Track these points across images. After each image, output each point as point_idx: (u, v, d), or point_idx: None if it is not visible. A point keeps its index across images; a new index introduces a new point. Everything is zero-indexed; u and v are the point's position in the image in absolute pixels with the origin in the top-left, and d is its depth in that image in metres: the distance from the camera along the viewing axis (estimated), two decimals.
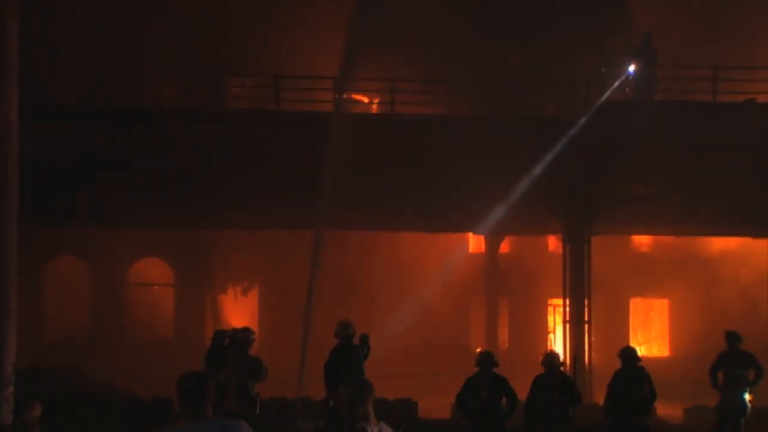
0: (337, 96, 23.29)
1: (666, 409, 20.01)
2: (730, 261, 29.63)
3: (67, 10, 27.64)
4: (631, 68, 22.85)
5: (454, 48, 28.37)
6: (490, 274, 29.56)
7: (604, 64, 23.60)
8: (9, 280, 13.01)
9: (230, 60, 27.41)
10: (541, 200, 22.77)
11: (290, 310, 27.23)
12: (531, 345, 28.85)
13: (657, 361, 26.59)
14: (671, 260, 30.46)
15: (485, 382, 13.78)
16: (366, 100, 29.53)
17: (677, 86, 23.02)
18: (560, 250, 24.29)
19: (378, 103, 28.53)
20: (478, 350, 17.75)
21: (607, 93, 22.71)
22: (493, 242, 29.58)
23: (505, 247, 30.51)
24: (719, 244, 29.58)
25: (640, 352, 16.47)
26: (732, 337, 15.92)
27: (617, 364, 14.48)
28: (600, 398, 15.37)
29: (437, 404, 20.38)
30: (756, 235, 26.04)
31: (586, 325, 23.00)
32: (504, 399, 13.83)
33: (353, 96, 28.15)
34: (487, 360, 13.93)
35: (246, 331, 15.05)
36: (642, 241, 31.46)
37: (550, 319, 30.98)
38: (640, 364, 14.44)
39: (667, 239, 30.29)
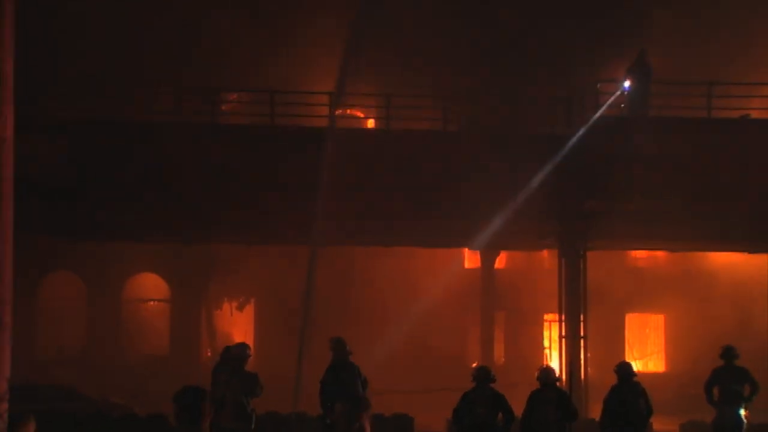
0: (332, 111, 23.31)
1: (662, 425, 19.98)
2: (725, 276, 29.65)
3: (63, 23, 27.67)
4: (626, 84, 22.90)
5: (449, 64, 28.44)
6: (486, 289, 29.54)
7: (600, 80, 23.66)
8: (4, 295, 12.97)
9: (226, 74, 27.44)
10: (536, 215, 22.78)
11: (286, 325, 27.24)
12: (527, 360, 28.81)
13: (653, 377, 26.57)
14: (667, 275, 30.50)
15: (482, 397, 13.74)
16: (362, 115, 29.58)
17: (672, 102, 23.07)
18: (556, 266, 24.28)
19: (373, 118, 28.57)
20: (474, 365, 17.72)
21: (602, 108, 22.75)
22: (488, 257, 29.57)
23: (500, 262, 30.51)
24: (715, 260, 29.62)
25: (636, 367, 16.46)
26: (728, 353, 15.92)
27: (613, 379, 14.46)
28: (596, 414, 15.35)
29: (434, 420, 20.34)
30: (751, 251, 26.09)
31: (582, 341, 22.98)
32: (500, 415, 13.79)
33: (349, 111, 28.19)
34: (483, 375, 13.89)
35: (241, 346, 15.02)
36: (638, 256, 31.48)
37: (546, 334, 30.96)
38: (636, 379, 14.43)
39: (663, 254, 30.34)
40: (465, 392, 13.93)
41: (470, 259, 31.20)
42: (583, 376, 22.72)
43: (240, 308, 31.63)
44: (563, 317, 23.40)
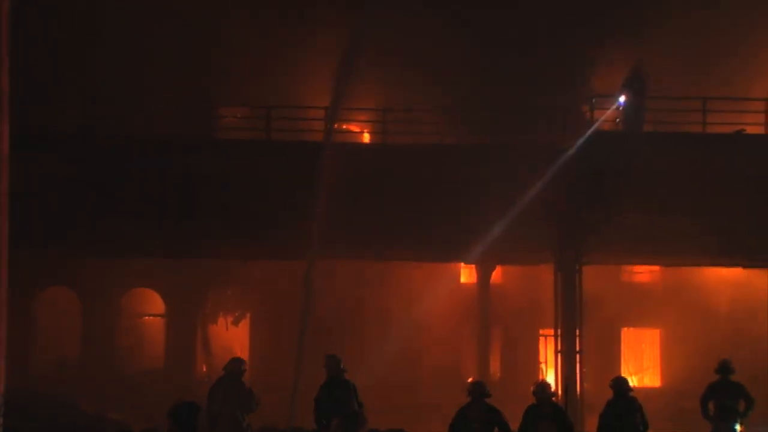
0: (328, 126, 23.35)
1: None
2: (721, 291, 29.66)
3: (60, 38, 27.71)
4: (622, 98, 22.98)
5: (446, 77, 28.49)
6: (482, 304, 29.52)
7: (595, 95, 23.74)
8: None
9: (222, 90, 27.49)
10: (532, 230, 22.80)
11: (281, 340, 27.18)
12: (522, 375, 28.76)
13: (648, 392, 26.55)
14: (662, 290, 30.50)
15: (477, 412, 13.74)
16: (357, 129, 29.62)
17: (667, 117, 23.15)
18: (551, 280, 24.29)
19: (369, 133, 28.61)
20: (469, 380, 17.69)
21: (597, 123, 22.83)
22: (484, 272, 29.55)
23: (496, 277, 30.51)
24: (710, 274, 29.63)
25: (632, 382, 16.46)
26: (724, 368, 15.94)
27: (609, 394, 14.47)
28: (592, 429, 15.34)
29: None
30: (747, 266, 26.10)
31: (578, 355, 22.97)
32: (496, 430, 13.79)
33: (345, 125, 28.23)
34: (479, 390, 13.89)
35: (236, 361, 15.03)
36: (633, 270, 31.49)
37: (542, 349, 30.93)
38: (632, 394, 14.44)
39: (658, 269, 30.34)
40: (460, 407, 13.93)
41: (466, 273, 31.20)
42: (578, 391, 22.70)
43: (236, 323, 31.59)
44: (559, 332, 23.40)
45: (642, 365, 31.56)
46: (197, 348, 30.91)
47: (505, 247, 23.42)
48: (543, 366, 30.68)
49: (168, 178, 22.51)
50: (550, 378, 24.77)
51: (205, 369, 30.67)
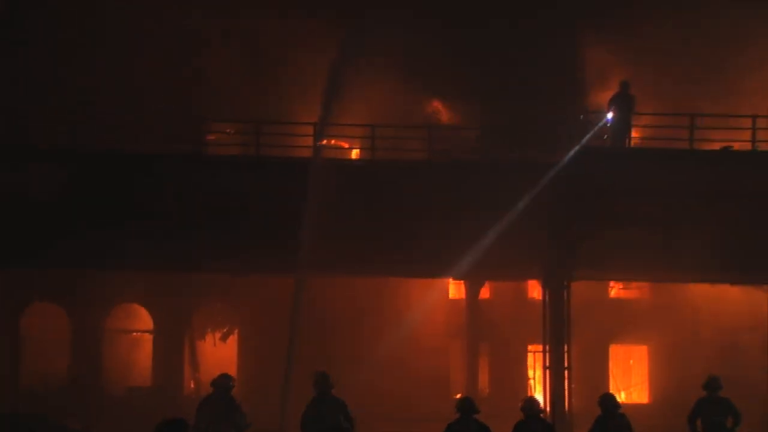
0: (316, 142, 23.39)
1: None
2: (709, 307, 29.71)
3: (49, 52, 27.72)
4: (609, 115, 23.08)
5: (435, 93, 28.58)
6: (470, 319, 29.54)
7: (585, 111, 23.84)
8: None
9: (211, 105, 27.50)
10: (520, 246, 22.84)
11: (270, 356, 27.11)
12: (511, 391, 28.76)
13: (636, 408, 26.57)
14: (650, 307, 30.54)
15: (466, 428, 13.72)
16: (346, 145, 29.65)
17: (655, 133, 23.27)
18: (540, 296, 24.31)
19: (358, 149, 28.65)
20: (458, 396, 17.69)
21: (585, 138, 22.91)
22: (473, 288, 29.59)
23: (485, 292, 30.53)
24: (698, 291, 29.68)
25: (620, 398, 16.49)
26: (711, 384, 15.97)
27: (597, 410, 14.47)
28: None
29: None
30: (735, 282, 26.16)
31: (566, 372, 22.98)
32: None
33: (333, 141, 28.26)
34: (467, 406, 13.88)
35: (224, 377, 14.97)
36: (621, 287, 31.54)
37: (530, 365, 30.94)
38: (621, 411, 14.44)
39: (646, 285, 30.40)
40: (449, 423, 13.91)
41: (455, 289, 31.21)
42: (567, 407, 22.70)
43: (224, 339, 31.51)
44: (547, 348, 23.41)
45: (630, 381, 31.58)
46: (185, 364, 30.81)
47: (494, 263, 23.44)
48: (531, 382, 30.69)
49: (156, 193, 22.49)
50: (539, 394, 24.78)
51: (193, 385, 30.56)
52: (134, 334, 31.20)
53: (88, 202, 22.23)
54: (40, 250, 22.92)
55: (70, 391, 29.13)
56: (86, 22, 28.18)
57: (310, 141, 23.45)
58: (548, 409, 21.29)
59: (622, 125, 23.05)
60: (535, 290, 29.10)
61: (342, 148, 29.34)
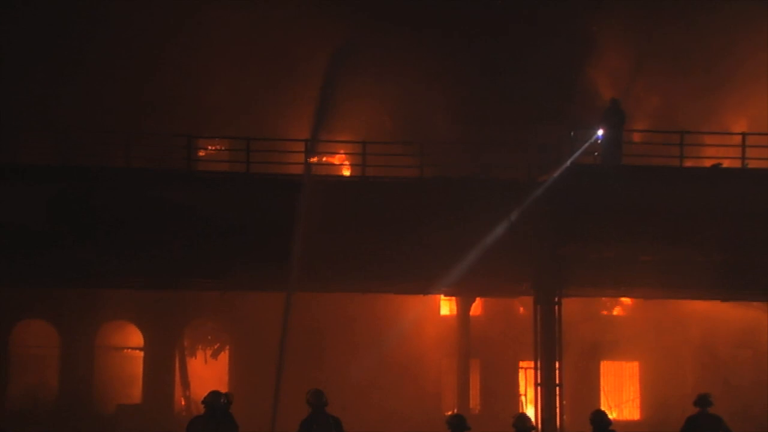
0: (307, 158, 23.40)
1: None
2: (700, 324, 29.76)
3: (35, 68, 27.71)
4: (600, 132, 23.14)
5: (425, 110, 28.62)
6: (462, 336, 29.51)
7: (575, 128, 23.89)
8: None
9: (201, 121, 27.51)
10: (511, 262, 22.86)
11: (261, 373, 27.06)
12: (502, 408, 28.73)
13: (628, 425, 26.61)
14: (641, 323, 30.56)
15: None
16: (338, 162, 29.68)
17: (645, 150, 23.33)
18: (531, 313, 24.31)
19: (349, 166, 28.67)
20: (449, 413, 17.68)
21: (575, 155, 22.96)
22: (464, 304, 29.57)
23: (476, 309, 30.53)
24: (689, 308, 29.73)
25: (611, 415, 16.48)
26: (702, 400, 15.98)
27: (589, 427, 14.45)
28: None
29: None
30: (725, 299, 26.21)
31: (557, 388, 22.96)
32: None
33: (324, 158, 28.29)
34: (458, 423, 13.85)
35: (215, 394, 14.91)
36: (612, 303, 31.56)
37: (522, 381, 30.92)
38: (612, 427, 14.42)
39: (637, 302, 30.42)
40: None
41: (446, 306, 31.20)
42: (558, 424, 22.67)
43: (214, 356, 31.42)
44: (538, 364, 23.39)
45: (621, 398, 31.57)
46: (176, 381, 30.70)
47: (484, 280, 23.45)
48: (523, 398, 30.66)
49: (146, 210, 22.45)
50: (530, 411, 24.74)
51: (183, 403, 30.45)
52: (125, 351, 31.10)
53: (75, 220, 22.16)
54: (27, 269, 22.85)
55: (59, 408, 29.00)
56: (72, 34, 28.21)
57: (301, 158, 23.46)
58: (540, 425, 21.26)
59: (613, 142, 23.11)
60: (526, 307, 29.10)
61: (333, 164, 29.38)
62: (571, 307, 24.64)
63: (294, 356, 24.28)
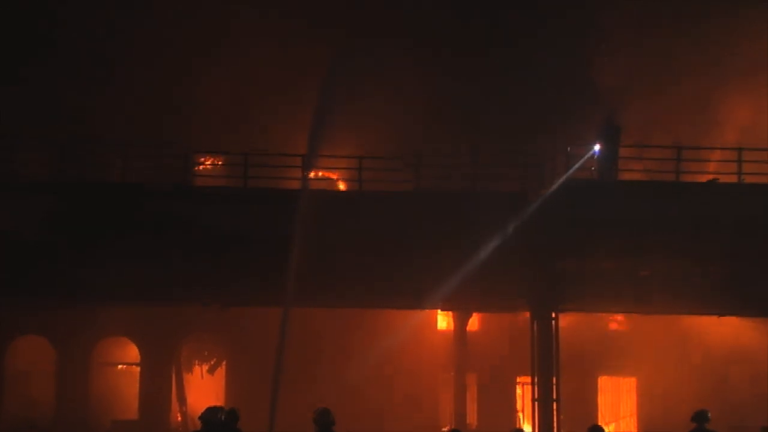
0: (304, 173, 23.40)
1: None
2: (697, 340, 29.74)
3: (34, 84, 27.74)
4: (596, 147, 23.17)
5: (422, 125, 28.65)
6: (459, 351, 29.48)
7: (572, 142, 23.91)
8: None
9: (199, 137, 27.51)
10: (508, 277, 22.84)
11: (258, 388, 26.97)
12: (499, 423, 28.67)
13: None
14: (638, 338, 30.55)
15: None
16: (334, 176, 29.68)
17: (641, 165, 23.36)
18: (528, 328, 24.28)
19: (345, 180, 28.67)
20: (446, 429, 17.66)
21: (572, 170, 22.97)
22: (461, 319, 29.55)
23: (473, 324, 30.50)
24: (687, 323, 29.72)
25: (609, 430, 16.46)
26: (700, 416, 15.96)
27: None
28: None
29: None
30: (722, 314, 26.20)
31: (555, 403, 22.91)
32: None
33: (321, 173, 28.29)
34: None
35: (213, 410, 14.85)
36: (609, 318, 31.55)
37: (519, 397, 30.87)
38: None
39: (634, 317, 30.41)
40: None
41: (443, 321, 31.17)
42: None
43: (211, 371, 31.36)
44: (536, 380, 23.36)
45: (619, 413, 31.52)
46: (172, 397, 30.63)
47: (481, 295, 23.43)
48: (520, 414, 30.60)
49: (143, 225, 22.43)
50: (527, 426, 24.70)
51: (180, 418, 30.38)
52: (121, 366, 31.04)
53: (72, 235, 22.13)
54: (23, 284, 22.81)
55: (55, 425, 28.92)
56: (72, 48, 28.26)
57: (297, 173, 23.47)
58: None
59: (609, 157, 23.13)
60: (523, 322, 29.07)
61: (330, 179, 29.38)
62: (568, 322, 24.62)
63: (291, 371, 24.19)
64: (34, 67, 27.71)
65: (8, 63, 27.23)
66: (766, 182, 23.61)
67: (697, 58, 29.06)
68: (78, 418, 29.06)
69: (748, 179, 23.68)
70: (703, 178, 23.80)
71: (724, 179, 23.70)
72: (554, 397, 22.99)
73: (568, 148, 23.49)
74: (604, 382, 31.49)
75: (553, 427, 22.67)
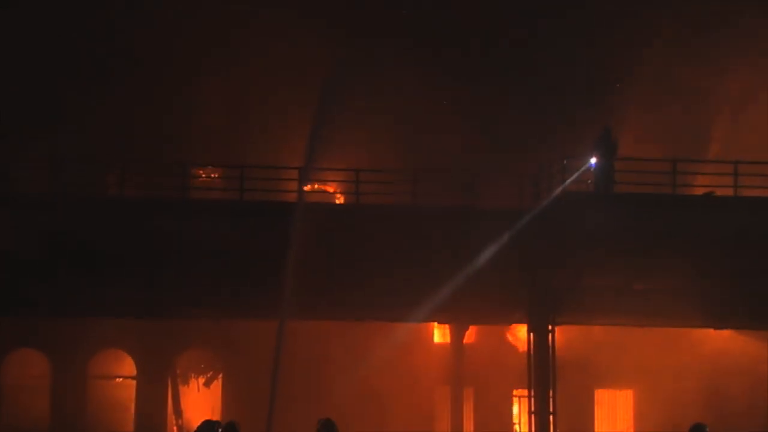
0: (301, 186, 23.41)
1: None
2: (694, 353, 29.73)
3: (30, 97, 27.75)
4: (593, 160, 23.21)
5: (418, 138, 28.69)
6: (455, 364, 29.43)
7: (567, 156, 23.95)
8: None
9: (195, 149, 27.54)
10: (505, 290, 22.84)
11: (254, 401, 26.92)
12: None
13: None
14: (635, 351, 30.53)
15: None
16: (331, 189, 29.70)
17: (637, 179, 23.38)
18: (525, 341, 24.28)
19: (342, 193, 28.69)
20: None
21: (567, 182, 23.00)
22: (457, 332, 29.50)
23: (469, 337, 30.46)
24: (683, 336, 29.72)
25: None
26: (697, 429, 15.91)
27: None
28: None
29: None
30: (719, 326, 26.21)
31: (552, 417, 22.90)
32: None
33: (318, 186, 28.30)
34: None
35: (208, 423, 14.80)
36: (606, 331, 31.51)
37: (516, 409, 30.83)
38: None
39: (631, 330, 30.40)
40: None
41: (440, 334, 31.14)
42: None
43: (207, 384, 31.30)
44: (532, 393, 23.34)
45: (616, 426, 31.49)
46: (168, 410, 30.56)
47: (478, 307, 23.42)
48: (517, 427, 30.56)
49: (139, 238, 22.43)
50: None
51: (175, 431, 30.33)
52: (117, 379, 30.97)
53: (68, 249, 22.11)
54: (19, 298, 22.78)
55: None
56: (68, 62, 28.28)
57: (294, 185, 23.47)
58: None
59: (605, 170, 23.16)
60: (520, 335, 29.06)
61: (327, 192, 29.40)
62: (565, 334, 24.62)
63: (288, 384, 24.15)
64: (32, 83, 27.73)
65: (6, 78, 27.26)
66: (761, 195, 23.67)
67: (695, 71, 29.13)
68: (74, 430, 28.97)
69: (744, 192, 23.72)
70: (700, 191, 23.85)
71: (720, 192, 23.74)
72: (551, 410, 22.98)
73: (565, 161, 23.53)
74: (600, 395, 31.45)
75: None
